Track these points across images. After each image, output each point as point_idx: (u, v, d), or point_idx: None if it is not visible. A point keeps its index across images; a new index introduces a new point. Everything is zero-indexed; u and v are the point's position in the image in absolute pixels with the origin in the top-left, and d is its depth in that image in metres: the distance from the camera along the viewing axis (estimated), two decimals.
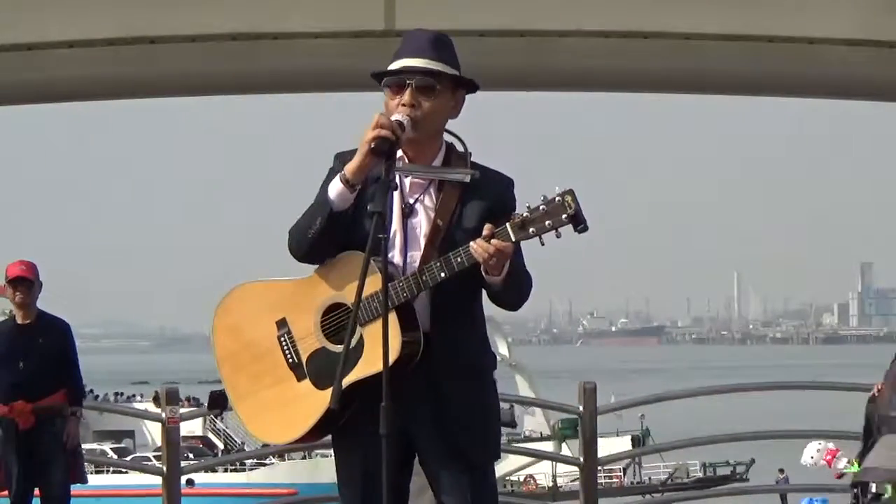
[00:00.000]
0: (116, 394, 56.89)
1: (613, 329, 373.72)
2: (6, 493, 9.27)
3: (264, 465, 41.03)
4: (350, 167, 4.43)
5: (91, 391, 30.45)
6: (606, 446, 31.27)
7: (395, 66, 4.53)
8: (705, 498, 12.06)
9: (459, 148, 4.62)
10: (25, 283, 9.20)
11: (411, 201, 4.54)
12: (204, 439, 46.83)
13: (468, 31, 8.09)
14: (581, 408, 10.46)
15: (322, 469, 29.60)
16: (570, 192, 4.38)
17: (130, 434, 48.02)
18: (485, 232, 4.36)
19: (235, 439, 46.89)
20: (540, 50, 8.50)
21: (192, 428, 43.01)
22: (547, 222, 4.37)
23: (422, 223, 4.52)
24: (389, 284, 4.38)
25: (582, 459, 10.55)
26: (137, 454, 42.32)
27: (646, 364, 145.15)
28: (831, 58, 8.59)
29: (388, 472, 4.22)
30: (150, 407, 38.75)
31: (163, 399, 11.56)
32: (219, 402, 11.24)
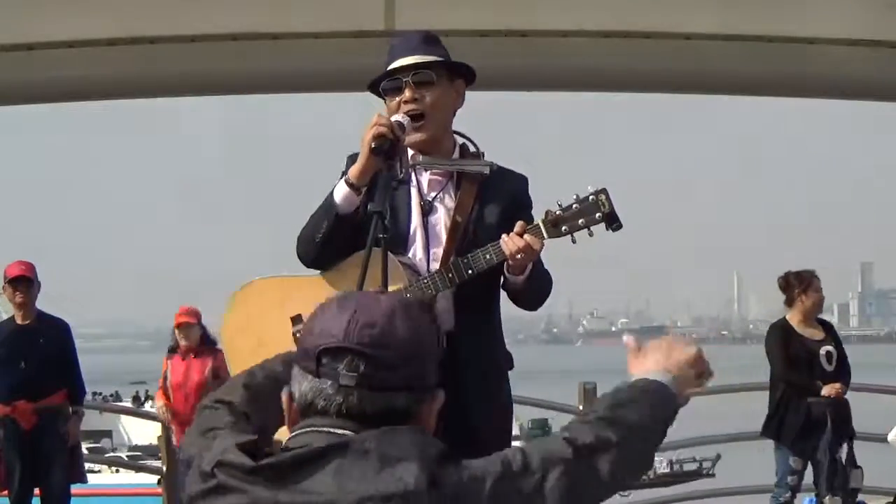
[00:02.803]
0: (94, 393, 56.68)
1: (613, 329, 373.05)
2: (6, 492, 9.28)
3: None
4: (353, 170, 4.42)
5: None
6: None
7: (389, 69, 4.53)
8: (705, 497, 12.07)
9: (471, 148, 4.64)
10: (25, 282, 9.23)
11: (430, 198, 4.55)
12: None
13: (468, 31, 8.08)
14: (581, 408, 10.48)
15: None
16: (604, 191, 4.41)
17: (108, 434, 47.83)
18: (517, 228, 4.37)
19: None
20: (540, 50, 8.49)
21: None
22: (580, 220, 4.39)
23: (441, 219, 4.52)
24: (415, 282, 4.38)
25: None
26: (112, 454, 42.15)
27: None
28: (831, 58, 8.58)
29: None
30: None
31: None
32: None
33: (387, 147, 4.31)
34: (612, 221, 4.41)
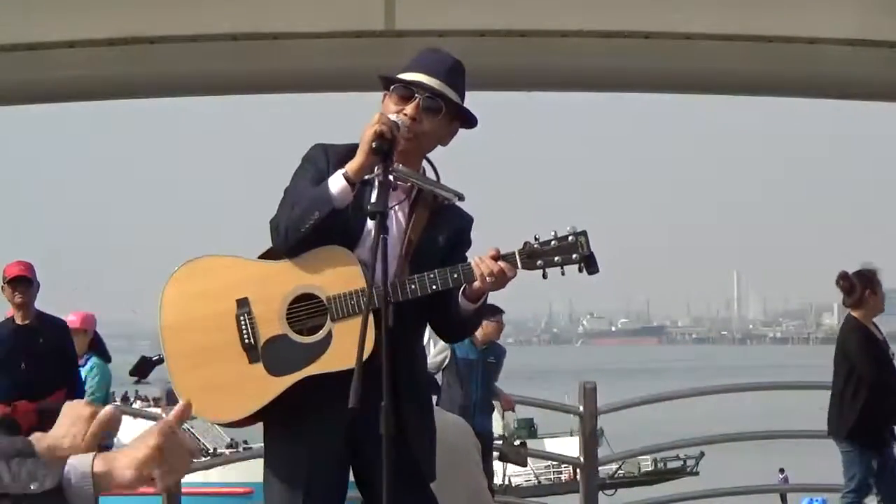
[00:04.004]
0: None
1: (613, 329, 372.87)
2: None
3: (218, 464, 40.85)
4: (353, 166, 4.44)
5: None
6: (560, 446, 30.91)
7: (409, 76, 4.56)
8: (704, 497, 12.07)
9: (430, 174, 4.66)
10: (25, 282, 9.23)
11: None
12: None
13: (468, 31, 8.09)
14: (581, 408, 10.46)
15: None
16: (584, 234, 4.42)
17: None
18: (491, 252, 4.38)
19: (200, 440, 46.76)
20: (540, 50, 8.50)
21: None
22: (556, 258, 4.39)
23: (391, 230, 4.51)
24: (376, 286, 4.36)
25: (582, 459, 10.57)
26: None
27: (646, 364, 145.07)
28: (832, 58, 8.59)
29: (388, 475, 4.18)
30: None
31: (163, 399, 11.62)
32: (141, 369, 11.35)
33: (386, 147, 4.34)
34: (590, 265, 4.42)
